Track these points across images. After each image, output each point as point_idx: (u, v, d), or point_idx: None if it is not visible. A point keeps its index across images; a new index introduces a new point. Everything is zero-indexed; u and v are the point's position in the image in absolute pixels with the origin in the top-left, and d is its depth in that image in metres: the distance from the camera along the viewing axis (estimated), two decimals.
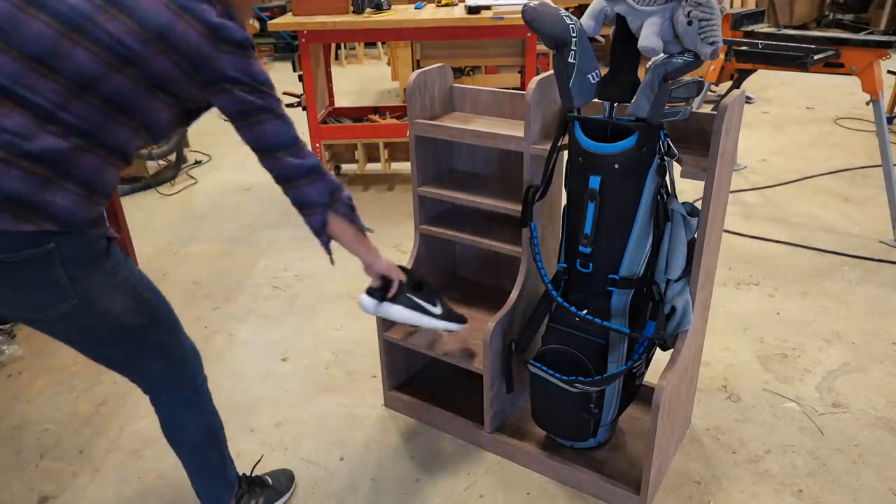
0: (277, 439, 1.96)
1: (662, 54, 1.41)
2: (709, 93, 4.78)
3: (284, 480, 1.77)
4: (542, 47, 4.50)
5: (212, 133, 5.01)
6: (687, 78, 1.43)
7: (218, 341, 2.44)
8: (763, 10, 3.61)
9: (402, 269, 1.71)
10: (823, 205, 3.41)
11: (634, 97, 1.45)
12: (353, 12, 3.42)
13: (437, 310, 1.74)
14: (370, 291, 1.68)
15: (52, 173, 1.14)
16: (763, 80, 5.93)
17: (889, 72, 4.89)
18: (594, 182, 1.52)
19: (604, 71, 1.49)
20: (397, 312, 1.70)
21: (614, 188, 1.51)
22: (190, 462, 1.55)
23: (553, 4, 1.45)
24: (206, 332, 2.49)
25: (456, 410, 1.96)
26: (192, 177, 4.08)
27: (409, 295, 1.70)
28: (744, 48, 3.14)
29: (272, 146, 1.33)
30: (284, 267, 2.93)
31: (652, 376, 2.03)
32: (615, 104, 1.52)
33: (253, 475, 1.72)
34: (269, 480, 1.74)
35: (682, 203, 1.53)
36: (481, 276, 2.18)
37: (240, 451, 1.91)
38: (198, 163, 4.33)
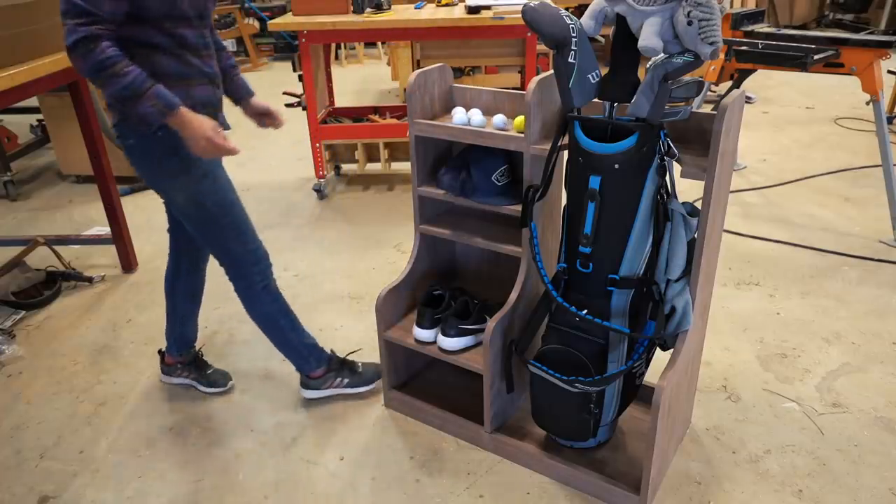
0: (278, 439, 1.96)
1: (662, 54, 1.41)
2: (709, 93, 4.78)
3: (372, 373, 2.10)
4: (542, 47, 4.51)
5: None
6: (687, 78, 1.43)
7: (218, 341, 2.44)
8: (763, 10, 3.61)
9: (443, 294, 1.94)
10: (823, 205, 3.41)
11: (634, 97, 1.45)
12: (353, 12, 3.42)
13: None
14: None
15: None
16: (763, 80, 5.93)
17: (889, 72, 4.90)
18: (594, 182, 1.52)
19: (604, 71, 1.49)
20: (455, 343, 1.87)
21: (614, 188, 1.51)
22: (266, 336, 1.97)
23: (553, 4, 1.45)
24: (206, 332, 2.49)
25: (456, 410, 1.96)
26: None
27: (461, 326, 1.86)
28: (744, 48, 3.14)
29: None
30: (284, 267, 2.93)
31: (652, 376, 2.03)
32: (615, 104, 1.52)
33: (346, 357, 2.11)
34: (359, 367, 2.09)
35: (682, 203, 1.53)
36: (481, 276, 2.18)
37: (239, 452, 1.91)
38: None
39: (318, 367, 2.03)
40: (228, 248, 1.80)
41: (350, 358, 2.14)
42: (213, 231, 1.77)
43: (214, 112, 1.76)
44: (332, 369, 2.06)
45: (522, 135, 1.67)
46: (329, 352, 2.08)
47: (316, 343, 2.03)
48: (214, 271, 2.95)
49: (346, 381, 2.06)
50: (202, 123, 1.57)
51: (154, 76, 1.56)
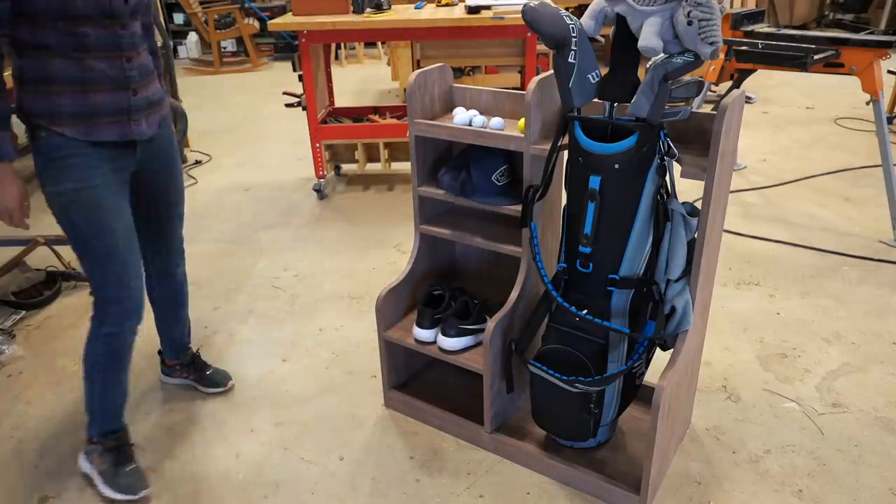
0: (277, 439, 1.96)
1: (662, 54, 1.42)
2: (709, 93, 4.78)
3: (136, 484, 1.76)
4: (542, 47, 4.50)
5: (212, 133, 5.01)
6: (687, 78, 1.43)
7: (218, 341, 2.44)
8: (763, 10, 3.61)
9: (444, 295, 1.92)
10: (823, 205, 3.41)
11: (634, 97, 1.45)
12: (353, 12, 3.43)
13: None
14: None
15: None
16: (763, 80, 5.93)
17: (889, 72, 4.90)
18: (594, 182, 1.52)
19: (604, 71, 1.49)
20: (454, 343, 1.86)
21: (614, 188, 1.51)
22: (82, 375, 1.76)
23: (553, 4, 1.45)
24: (206, 332, 2.49)
25: (456, 410, 1.96)
26: (192, 177, 4.08)
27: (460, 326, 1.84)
28: (744, 48, 3.14)
29: None
30: (284, 267, 2.94)
31: (652, 376, 2.03)
32: (615, 104, 1.52)
33: (126, 447, 1.82)
34: (128, 468, 1.78)
35: (682, 203, 1.53)
36: (481, 276, 2.18)
37: (240, 451, 1.91)
38: (198, 163, 4.33)
39: (97, 435, 1.80)
40: (93, 273, 1.63)
41: (133, 454, 1.83)
42: (81, 251, 1.61)
43: (128, 121, 1.60)
44: (101, 444, 1.79)
45: (522, 135, 1.67)
46: (120, 430, 1.82)
47: (117, 419, 1.81)
48: (213, 273, 2.97)
49: (103, 467, 1.78)
50: (8, 190, 1.52)
51: (48, 81, 1.48)
